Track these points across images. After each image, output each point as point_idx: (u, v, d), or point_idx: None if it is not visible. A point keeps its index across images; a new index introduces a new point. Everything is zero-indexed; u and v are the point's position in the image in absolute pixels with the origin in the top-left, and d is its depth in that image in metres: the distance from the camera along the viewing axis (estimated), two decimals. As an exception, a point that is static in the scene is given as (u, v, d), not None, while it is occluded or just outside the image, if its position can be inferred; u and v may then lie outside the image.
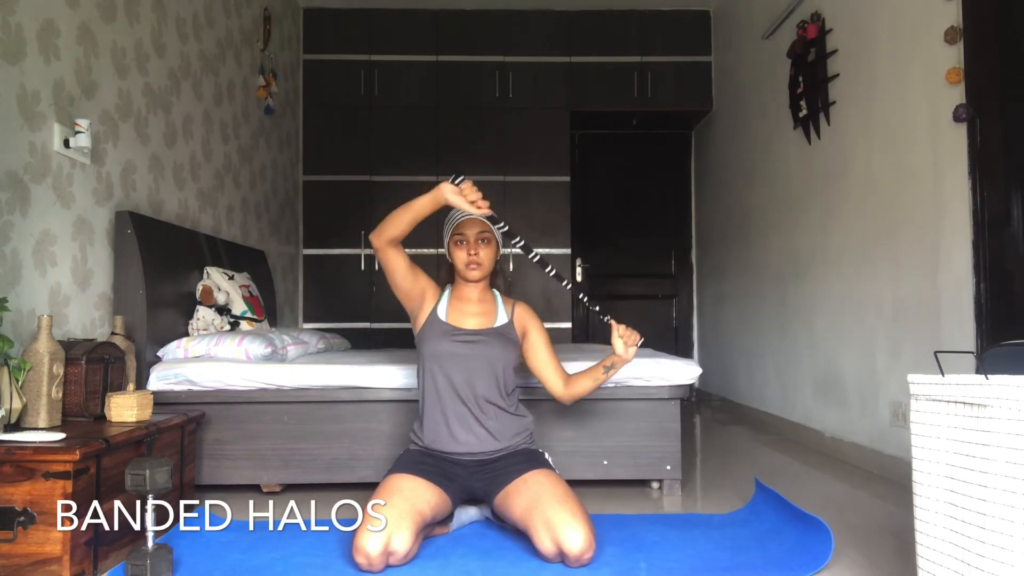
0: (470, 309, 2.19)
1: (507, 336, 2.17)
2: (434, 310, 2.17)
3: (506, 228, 2.08)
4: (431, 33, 5.23)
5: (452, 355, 2.09)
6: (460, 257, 2.16)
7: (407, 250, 2.12)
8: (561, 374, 2.21)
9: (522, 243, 2.08)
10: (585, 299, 2.20)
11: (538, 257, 2.10)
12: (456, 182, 1.95)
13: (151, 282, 2.73)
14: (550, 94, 5.26)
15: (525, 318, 2.24)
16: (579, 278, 5.88)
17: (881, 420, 2.99)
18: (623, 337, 2.07)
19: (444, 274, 2.33)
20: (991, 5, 2.43)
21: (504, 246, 2.24)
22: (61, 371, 2.08)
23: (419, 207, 1.98)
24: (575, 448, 2.63)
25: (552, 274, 2.14)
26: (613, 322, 2.10)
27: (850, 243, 3.28)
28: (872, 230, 3.10)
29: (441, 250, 4.69)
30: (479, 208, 1.94)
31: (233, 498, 2.28)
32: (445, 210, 2.23)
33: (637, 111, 5.43)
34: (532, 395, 2.50)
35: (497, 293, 2.29)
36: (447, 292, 2.23)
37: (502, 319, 2.20)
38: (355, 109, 5.19)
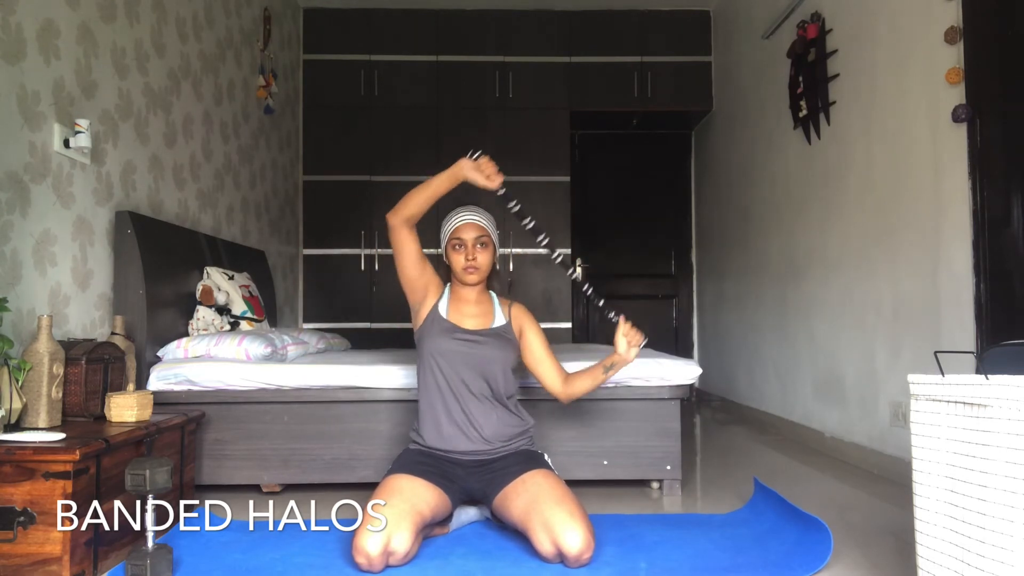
0: (469, 310, 2.20)
1: (505, 337, 2.17)
2: (435, 307, 2.18)
3: (517, 207, 2.07)
4: (431, 33, 5.23)
5: (454, 353, 2.10)
6: (458, 261, 2.16)
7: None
8: (559, 372, 2.21)
9: (531, 225, 2.07)
10: (590, 291, 2.15)
11: (546, 240, 2.09)
12: (474, 157, 1.98)
13: (151, 282, 2.73)
14: (550, 94, 5.26)
15: (521, 318, 2.25)
16: (579, 278, 5.87)
17: (881, 420, 2.99)
18: (627, 336, 2.06)
19: (443, 274, 2.33)
20: (991, 5, 2.43)
21: (519, 220, 2.12)
22: (61, 371, 2.08)
23: (437, 184, 2.03)
24: (575, 448, 2.63)
25: (558, 260, 2.13)
26: (621, 318, 2.08)
27: (850, 243, 3.28)
28: (872, 230, 3.09)
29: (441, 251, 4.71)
30: (493, 183, 1.97)
31: (233, 498, 2.28)
32: (444, 213, 2.22)
33: (637, 111, 5.43)
34: (532, 395, 2.50)
35: (494, 295, 2.29)
36: (447, 291, 2.24)
37: (500, 320, 2.21)
38: (355, 109, 5.19)
